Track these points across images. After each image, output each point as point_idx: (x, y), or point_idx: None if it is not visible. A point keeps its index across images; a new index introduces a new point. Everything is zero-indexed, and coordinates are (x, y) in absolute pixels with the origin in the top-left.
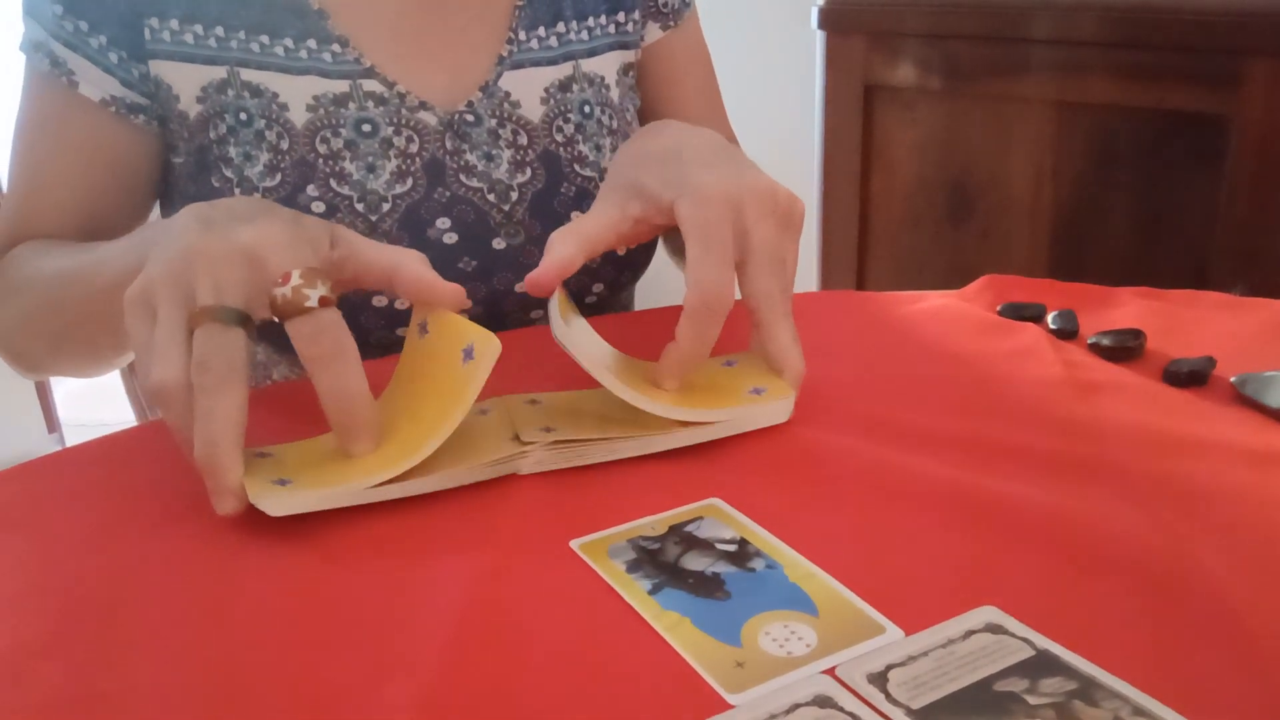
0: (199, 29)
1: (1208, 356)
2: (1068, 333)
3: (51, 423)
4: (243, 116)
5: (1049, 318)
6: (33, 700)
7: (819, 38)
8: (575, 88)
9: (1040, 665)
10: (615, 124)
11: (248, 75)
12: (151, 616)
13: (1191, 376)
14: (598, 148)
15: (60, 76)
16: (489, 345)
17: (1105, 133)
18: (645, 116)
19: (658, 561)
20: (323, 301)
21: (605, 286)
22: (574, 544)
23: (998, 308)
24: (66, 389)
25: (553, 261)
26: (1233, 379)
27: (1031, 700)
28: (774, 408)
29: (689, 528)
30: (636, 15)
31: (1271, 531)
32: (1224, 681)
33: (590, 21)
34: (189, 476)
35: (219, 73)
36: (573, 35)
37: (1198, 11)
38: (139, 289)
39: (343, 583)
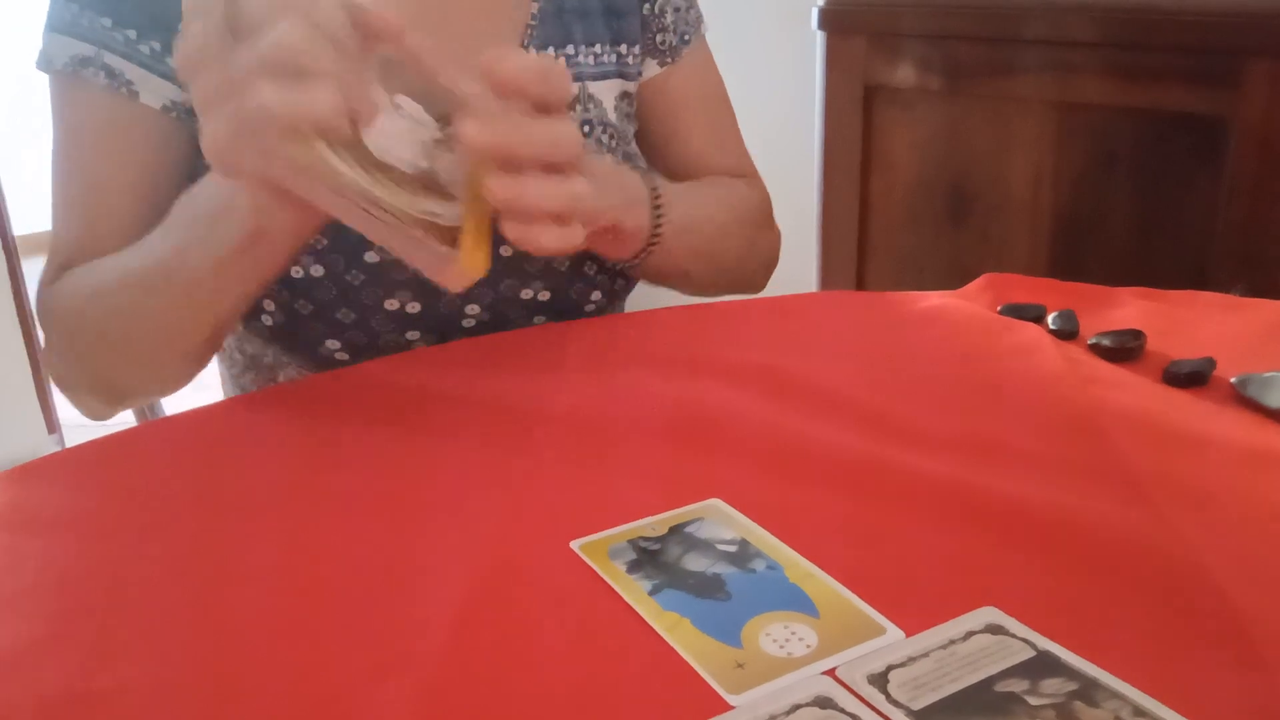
0: None
1: (1208, 357)
2: (1068, 333)
3: (51, 423)
4: None
5: (1049, 318)
6: (32, 698)
7: (819, 38)
8: (579, 107)
9: (1041, 666)
10: (614, 143)
11: None
12: (150, 616)
13: (1191, 377)
14: None
15: (119, 88)
16: None
17: (1105, 133)
18: (649, 145)
19: (658, 562)
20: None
21: (603, 295)
22: (574, 544)
23: (998, 308)
24: None
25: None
26: (1233, 379)
27: (1032, 701)
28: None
29: (689, 528)
30: (637, 50)
31: (1271, 531)
32: (1224, 681)
33: (596, 48)
34: (189, 477)
35: None
36: (580, 58)
37: (1198, 11)
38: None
39: (342, 582)
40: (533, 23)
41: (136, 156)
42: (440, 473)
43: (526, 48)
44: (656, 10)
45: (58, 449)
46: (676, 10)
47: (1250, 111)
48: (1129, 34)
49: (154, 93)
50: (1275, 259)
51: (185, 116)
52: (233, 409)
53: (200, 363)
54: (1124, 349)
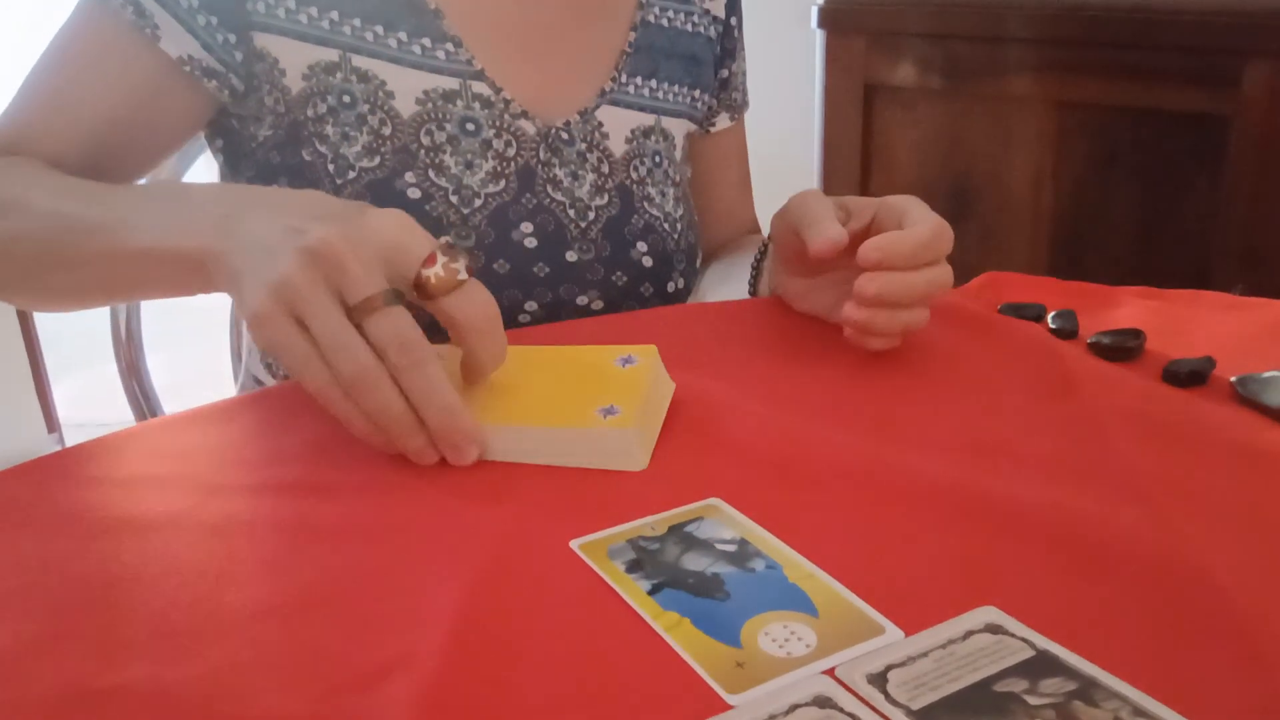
0: (314, 11)
1: (1208, 356)
2: (1068, 332)
3: (51, 423)
4: (346, 99)
5: (1049, 317)
6: (32, 698)
7: (819, 38)
8: (653, 137)
9: (1040, 665)
10: (678, 177)
11: (359, 61)
12: (150, 616)
13: (1191, 376)
14: (662, 193)
15: (144, 28)
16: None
17: (1105, 133)
18: (693, 189)
19: (658, 562)
20: (468, 272)
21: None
22: (574, 544)
23: (998, 307)
24: (66, 389)
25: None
26: (1233, 379)
27: (1031, 701)
28: (618, 440)
29: (689, 528)
30: (707, 98)
31: (1271, 531)
32: (1224, 681)
33: (676, 88)
34: (189, 476)
35: (330, 54)
36: (661, 93)
37: (1198, 11)
38: (270, 303)
39: (342, 582)
40: (628, 50)
41: (124, 89)
42: (440, 472)
43: (619, 73)
44: (734, 70)
45: (58, 448)
46: (743, 74)
47: (1250, 111)
48: (1129, 34)
49: (175, 43)
50: (1275, 258)
51: (199, 74)
52: (233, 408)
53: (86, 307)
54: (1124, 348)
